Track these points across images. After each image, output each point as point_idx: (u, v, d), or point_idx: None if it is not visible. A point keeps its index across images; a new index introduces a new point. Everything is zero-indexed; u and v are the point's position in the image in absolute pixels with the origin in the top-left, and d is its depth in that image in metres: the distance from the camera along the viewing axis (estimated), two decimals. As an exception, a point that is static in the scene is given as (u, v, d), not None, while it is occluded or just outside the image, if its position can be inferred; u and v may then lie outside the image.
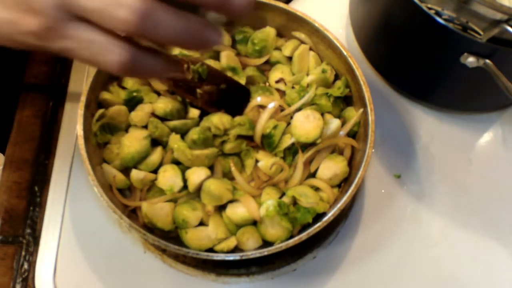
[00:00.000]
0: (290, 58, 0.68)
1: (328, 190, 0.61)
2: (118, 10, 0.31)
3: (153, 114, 0.62)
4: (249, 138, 0.63)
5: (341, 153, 0.64)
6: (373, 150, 0.62)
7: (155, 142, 0.61)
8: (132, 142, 0.59)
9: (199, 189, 0.60)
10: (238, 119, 0.62)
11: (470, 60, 0.60)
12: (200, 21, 0.34)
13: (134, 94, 0.63)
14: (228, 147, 0.61)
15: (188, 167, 0.60)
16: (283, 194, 0.61)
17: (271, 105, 0.63)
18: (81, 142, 0.58)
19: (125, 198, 0.61)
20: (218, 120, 0.60)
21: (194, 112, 0.62)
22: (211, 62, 0.65)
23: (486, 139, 0.74)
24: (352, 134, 0.64)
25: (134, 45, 0.33)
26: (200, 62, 0.62)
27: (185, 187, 0.60)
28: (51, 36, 0.32)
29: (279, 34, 0.69)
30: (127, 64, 0.33)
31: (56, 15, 0.32)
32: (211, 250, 0.59)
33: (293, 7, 0.66)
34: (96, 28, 0.32)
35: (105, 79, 0.63)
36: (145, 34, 0.32)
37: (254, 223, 0.60)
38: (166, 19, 0.32)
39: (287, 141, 0.61)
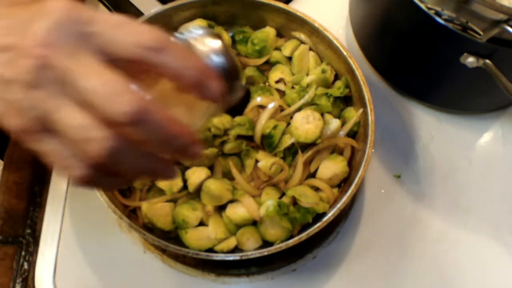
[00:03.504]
0: (290, 58, 0.68)
1: (328, 190, 0.61)
2: (90, 146, 0.33)
3: (153, 114, 0.62)
4: (249, 138, 0.63)
5: (341, 153, 0.64)
6: (373, 150, 0.62)
7: (155, 142, 0.61)
8: (132, 142, 0.59)
9: (199, 189, 0.60)
10: (238, 119, 0.62)
11: (470, 60, 0.60)
12: (160, 161, 0.37)
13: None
14: (228, 147, 0.61)
15: (188, 167, 0.60)
16: (283, 194, 0.61)
17: (271, 105, 0.63)
18: (81, 142, 0.58)
19: (125, 198, 0.61)
20: (218, 120, 0.60)
21: (194, 112, 0.62)
22: (211, 62, 0.65)
23: (486, 139, 0.74)
24: (352, 134, 0.64)
25: (96, 166, 0.35)
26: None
27: (185, 187, 0.60)
28: (28, 138, 0.35)
29: (279, 34, 0.69)
30: (86, 181, 0.35)
31: (35, 124, 0.34)
32: (211, 250, 0.59)
33: (293, 7, 0.66)
34: (67, 144, 0.34)
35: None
36: (109, 168, 0.34)
37: (254, 223, 0.60)
38: (132, 159, 0.35)
39: (287, 141, 0.61)
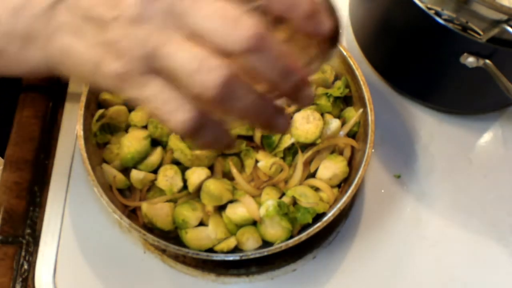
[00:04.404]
0: (290, 58, 0.68)
1: (328, 190, 0.61)
2: (205, 76, 0.30)
3: (153, 114, 0.62)
4: (249, 138, 0.63)
5: (341, 153, 0.64)
6: (373, 150, 0.62)
7: (155, 142, 0.61)
8: (132, 142, 0.59)
9: (199, 189, 0.60)
10: (238, 119, 0.62)
11: (470, 60, 0.60)
12: (274, 106, 0.34)
13: (134, 94, 0.63)
14: (228, 147, 0.61)
15: (188, 167, 0.60)
16: (283, 194, 0.61)
17: (271, 105, 0.63)
18: (81, 142, 0.58)
19: (125, 198, 0.61)
20: (218, 120, 0.60)
21: (194, 112, 0.62)
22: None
23: (486, 139, 0.74)
24: (352, 134, 0.64)
25: (204, 112, 0.32)
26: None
27: (185, 187, 0.60)
28: (128, 83, 0.32)
29: (279, 34, 0.69)
30: (191, 126, 0.32)
31: (139, 64, 0.31)
32: (211, 250, 0.59)
33: (293, 7, 0.66)
34: (171, 84, 0.32)
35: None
36: (221, 103, 0.32)
37: (254, 223, 0.60)
38: (247, 95, 0.32)
39: (287, 141, 0.61)
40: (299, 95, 0.34)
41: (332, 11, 0.34)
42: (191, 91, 0.31)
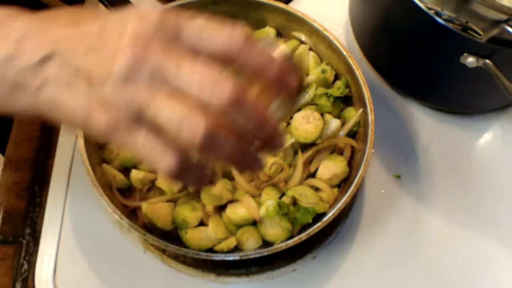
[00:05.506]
0: (290, 58, 0.68)
1: (328, 190, 0.61)
2: (190, 130, 0.33)
3: (153, 114, 0.62)
4: (249, 138, 0.63)
5: (341, 153, 0.64)
6: (373, 150, 0.62)
7: (155, 142, 0.61)
8: (132, 142, 0.59)
9: (199, 189, 0.60)
10: (238, 119, 0.62)
11: (470, 60, 0.60)
12: (250, 152, 0.38)
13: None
14: (228, 147, 0.61)
15: (188, 167, 0.60)
16: (283, 194, 0.61)
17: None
18: (81, 142, 0.58)
19: (125, 198, 0.61)
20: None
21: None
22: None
23: (486, 139, 0.74)
24: (352, 134, 0.64)
25: (186, 156, 0.36)
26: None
27: (185, 187, 0.60)
28: (116, 133, 0.35)
29: (279, 34, 0.69)
30: (176, 170, 0.35)
31: (127, 118, 0.34)
32: (211, 250, 0.59)
33: (293, 7, 0.66)
34: (157, 133, 0.35)
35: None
36: (204, 152, 0.35)
37: (254, 223, 0.60)
38: (227, 145, 0.35)
39: (287, 141, 0.61)
40: (271, 143, 0.38)
41: (295, 69, 0.39)
42: (177, 143, 0.34)
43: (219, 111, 0.34)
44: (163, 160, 0.35)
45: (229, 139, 0.35)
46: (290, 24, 0.67)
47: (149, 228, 0.59)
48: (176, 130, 0.33)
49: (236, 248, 0.60)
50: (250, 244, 0.59)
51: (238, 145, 0.36)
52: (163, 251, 0.65)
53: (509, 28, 0.54)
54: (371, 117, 0.61)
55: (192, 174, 0.37)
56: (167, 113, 0.33)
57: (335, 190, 0.62)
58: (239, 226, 0.60)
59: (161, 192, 0.60)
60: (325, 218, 0.57)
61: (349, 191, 0.57)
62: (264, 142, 0.38)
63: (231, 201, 0.60)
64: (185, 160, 0.35)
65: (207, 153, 0.35)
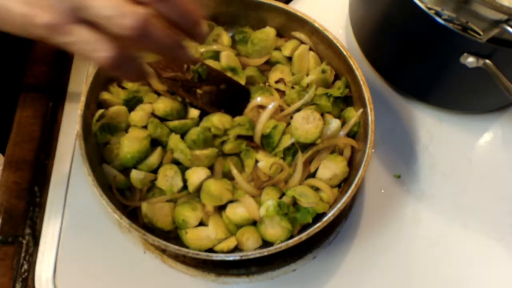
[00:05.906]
0: (290, 58, 0.68)
1: (328, 190, 0.61)
2: (122, 19, 0.39)
3: (153, 114, 0.62)
4: (249, 138, 0.63)
5: (341, 153, 0.64)
6: (373, 150, 0.62)
7: (155, 142, 0.61)
8: (132, 142, 0.59)
9: (199, 189, 0.60)
10: (238, 119, 0.62)
11: (470, 60, 0.60)
12: (178, 42, 0.44)
13: (134, 94, 0.63)
14: (228, 147, 0.61)
15: (188, 167, 0.60)
16: (283, 194, 0.61)
17: (271, 105, 0.63)
18: (81, 142, 0.58)
19: (125, 198, 0.61)
20: (218, 120, 0.60)
21: (194, 113, 0.62)
22: (211, 63, 0.65)
23: (486, 139, 0.74)
24: (352, 134, 0.64)
25: (122, 49, 0.41)
26: (200, 62, 0.62)
27: (185, 187, 0.60)
28: (58, 31, 0.39)
29: (279, 34, 0.69)
30: (112, 61, 0.40)
31: (66, 16, 0.39)
32: (211, 250, 0.59)
33: (293, 7, 0.66)
34: (95, 29, 0.39)
35: (105, 79, 0.63)
36: (137, 41, 0.40)
37: (254, 223, 0.60)
38: (158, 34, 0.41)
39: (287, 141, 0.61)
40: (195, 30, 0.44)
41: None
42: (111, 32, 0.39)
43: (150, 4, 0.39)
44: (100, 52, 0.40)
45: (158, 27, 0.40)
46: (290, 24, 0.67)
47: (149, 228, 0.59)
48: (109, 20, 0.38)
49: (236, 248, 0.60)
50: (250, 244, 0.59)
51: (166, 33, 0.41)
52: (163, 251, 0.65)
53: (509, 28, 0.54)
54: (371, 117, 0.61)
55: (128, 66, 0.42)
56: (100, 5, 0.38)
57: (335, 190, 0.62)
58: (239, 226, 0.60)
59: (161, 192, 0.60)
60: (325, 218, 0.57)
61: (349, 191, 0.57)
62: (188, 30, 0.43)
63: (231, 201, 0.60)
64: (120, 51, 0.40)
65: (139, 42, 0.40)
